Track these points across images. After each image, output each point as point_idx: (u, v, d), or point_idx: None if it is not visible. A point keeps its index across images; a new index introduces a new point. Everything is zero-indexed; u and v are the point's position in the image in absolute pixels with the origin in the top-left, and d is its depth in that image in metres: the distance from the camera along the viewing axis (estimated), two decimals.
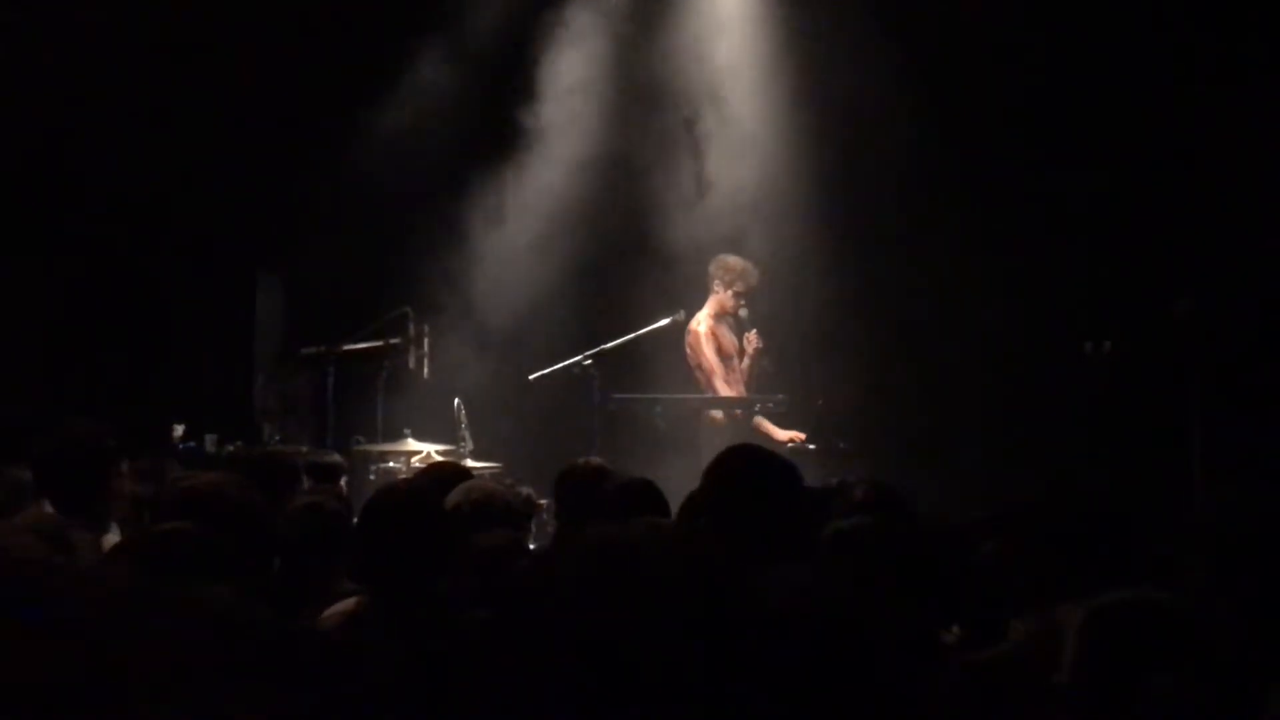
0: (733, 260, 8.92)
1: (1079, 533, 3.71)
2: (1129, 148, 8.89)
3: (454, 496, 4.29)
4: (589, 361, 8.56)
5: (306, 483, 6.13)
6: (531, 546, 5.21)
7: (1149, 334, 8.63)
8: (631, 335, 8.83)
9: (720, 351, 8.92)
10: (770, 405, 8.71)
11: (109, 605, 2.18)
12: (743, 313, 8.88)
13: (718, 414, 8.75)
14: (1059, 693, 2.93)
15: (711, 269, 8.94)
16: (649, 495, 4.63)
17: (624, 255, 9.76)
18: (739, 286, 8.84)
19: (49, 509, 4.68)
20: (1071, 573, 3.61)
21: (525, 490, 6.21)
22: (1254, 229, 8.57)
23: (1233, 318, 8.43)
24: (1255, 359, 8.52)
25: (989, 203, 9.22)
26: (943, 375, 9.35)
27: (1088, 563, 3.64)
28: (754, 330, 8.94)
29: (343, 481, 6.84)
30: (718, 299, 8.89)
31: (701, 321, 8.89)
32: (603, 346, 8.65)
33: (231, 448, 9.13)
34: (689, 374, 8.99)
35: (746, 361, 8.98)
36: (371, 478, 8.30)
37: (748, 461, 3.86)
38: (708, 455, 4.15)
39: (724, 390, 8.85)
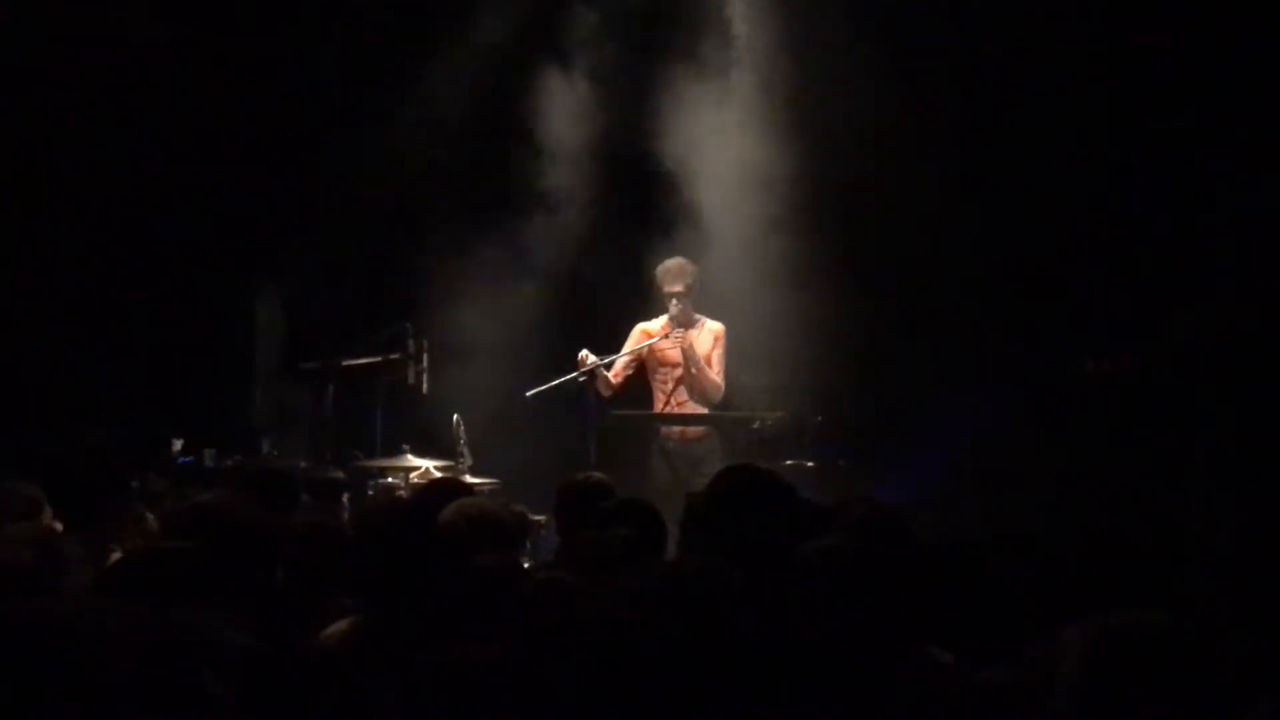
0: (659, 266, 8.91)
1: (1083, 555, 3.71)
2: (1132, 160, 8.90)
3: (446, 514, 4.27)
4: (584, 378, 8.55)
5: (305, 498, 6.13)
6: (526, 564, 5.20)
7: (1151, 351, 8.63)
8: (628, 351, 8.83)
9: (654, 360, 8.86)
10: (768, 421, 8.69)
11: (95, 623, 2.18)
12: (673, 309, 8.77)
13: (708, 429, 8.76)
14: (1061, 717, 2.92)
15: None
16: (647, 516, 4.63)
17: (621, 272, 9.76)
18: (665, 286, 8.76)
19: (56, 523, 4.66)
20: (1077, 595, 3.61)
21: (519, 508, 6.20)
22: (1257, 244, 8.56)
23: (1235, 335, 8.43)
24: (1258, 377, 8.50)
25: (989, 215, 9.22)
26: (943, 392, 9.35)
27: (1093, 585, 3.64)
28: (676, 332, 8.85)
29: (345, 498, 6.84)
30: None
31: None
32: (599, 363, 8.64)
33: (230, 462, 9.12)
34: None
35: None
36: (370, 493, 8.30)
37: (744, 481, 3.88)
38: (704, 471, 4.15)
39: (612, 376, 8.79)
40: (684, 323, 8.80)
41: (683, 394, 8.84)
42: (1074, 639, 3.01)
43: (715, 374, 8.83)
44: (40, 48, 9.44)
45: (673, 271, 8.77)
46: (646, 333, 8.89)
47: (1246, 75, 8.57)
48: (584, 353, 8.59)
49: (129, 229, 9.83)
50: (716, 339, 8.89)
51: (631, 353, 8.82)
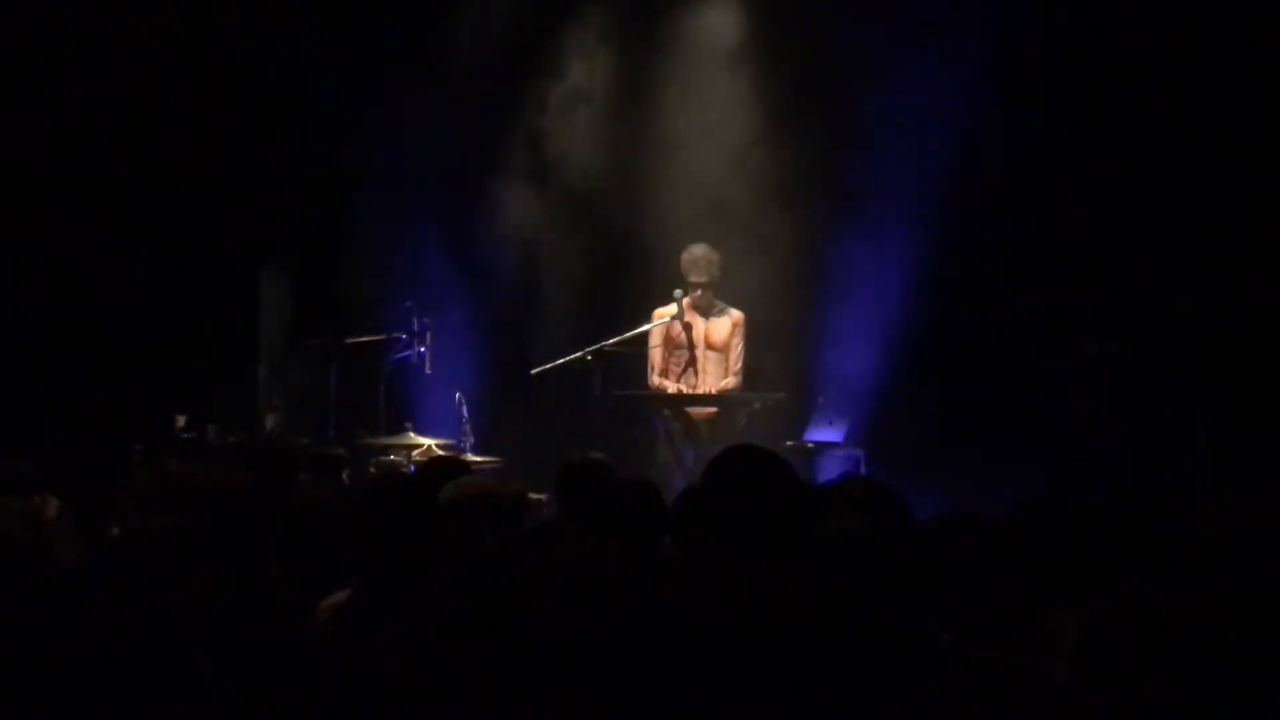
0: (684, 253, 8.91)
1: (1078, 534, 3.71)
2: (1134, 143, 8.88)
3: (446, 492, 4.27)
4: (591, 357, 8.55)
5: (306, 475, 6.12)
6: None
7: (1153, 332, 8.63)
8: (635, 331, 8.83)
9: (668, 342, 8.89)
10: (770, 402, 8.69)
11: (91, 601, 2.18)
12: (679, 293, 8.75)
13: (713, 410, 8.76)
14: (1056, 697, 2.91)
15: None
16: (649, 496, 4.63)
17: (628, 251, 9.76)
18: (690, 276, 8.81)
19: (53, 500, 4.64)
20: (1070, 575, 3.60)
21: (518, 485, 6.18)
22: (1260, 226, 8.56)
23: (1238, 315, 8.43)
24: (1260, 357, 8.50)
25: (991, 196, 9.21)
26: (944, 373, 9.35)
27: (1087, 565, 3.63)
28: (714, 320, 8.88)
29: (344, 475, 6.84)
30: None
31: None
32: (605, 342, 8.64)
33: (233, 439, 9.13)
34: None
35: (702, 351, 8.89)
36: (373, 471, 8.31)
37: (744, 462, 3.87)
38: (707, 451, 4.13)
39: (654, 380, 8.85)
40: (703, 309, 8.83)
41: (692, 376, 8.85)
42: (1072, 620, 3.00)
43: (734, 369, 8.88)
44: (49, 24, 9.44)
45: (699, 262, 8.78)
46: (661, 316, 8.89)
47: (1248, 70, 8.56)
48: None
49: (134, 206, 9.83)
50: (735, 326, 8.92)
51: (635, 335, 8.82)
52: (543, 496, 6.84)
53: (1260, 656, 2.96)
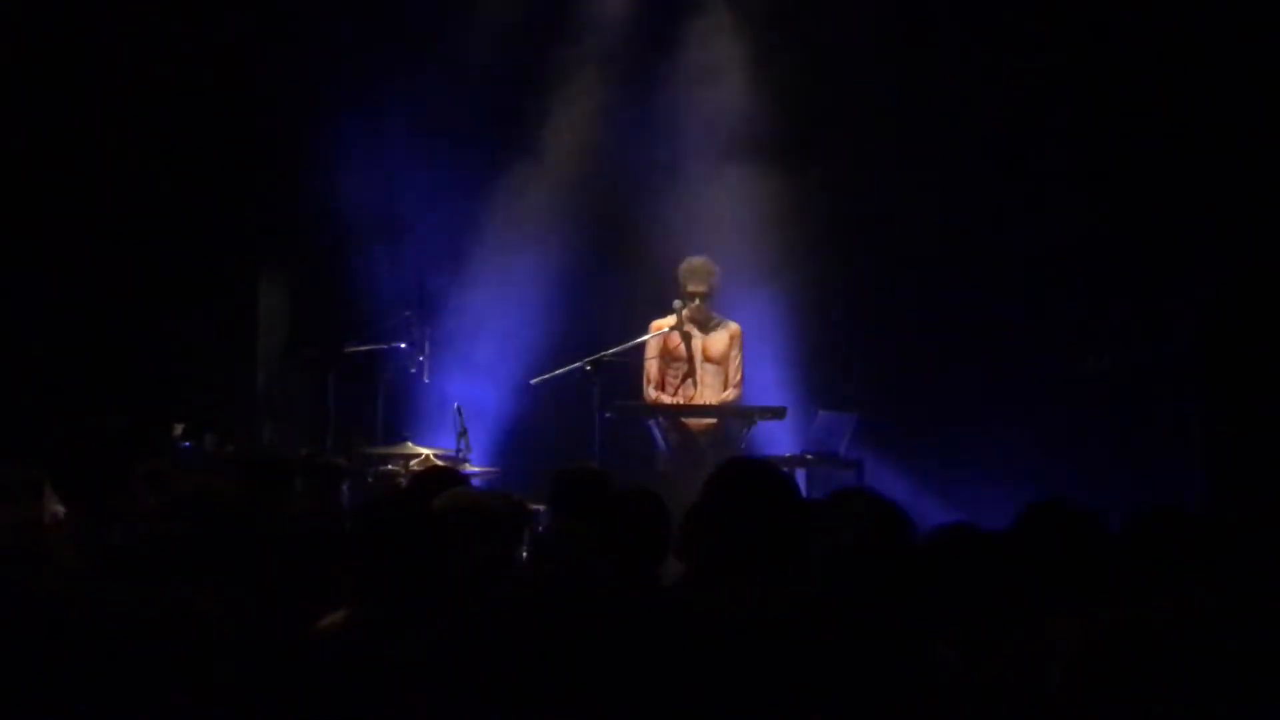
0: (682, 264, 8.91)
1: (1076, 546, 3.72)
2: (1133, 146, 8.90)
3: (440, 504, 4.25)
4: (590, 367, 8.55)
5: (302, 484, 6.12)
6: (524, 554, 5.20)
7: (1150, 339, 8.65)
8: (633, 342, 8.83)
9: (665, 353, 8.89)
10: (769, 415, 8.69)
11: (91, 610, 2.18)
12: (678, 304, 8.76)
13: (711, 422, 8.75)
14: (1052, 711, 2.92)
15: None
16: (652, 506, 4.62)
17: (627, 262, 9.76)
18: (689, 286, 8.81)
19: (58, 506, 4.65)
20: (1068, 586, 3.61)
21: (517, 497, 6.19)
22: (1258, 239, 8.57)
23: (1235, 323, 8.44)
24: (1257, 370, 8.51)
25: (991, 210, 9.22)
26: (943, 387, 9.35)
27: (1085, 576, 3.64)
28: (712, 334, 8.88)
29: (345, 488, 6.83)
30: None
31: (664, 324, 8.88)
32: (604, 353, 8.64)
33: (231, 447, 9.13)
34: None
35: (700, 364, 8.88)
36: (370, 480, 8.31)
37: (744, 475, 3.86)
38: (704, 463, 4.13)
39: (650, 393, 8.84)
40: (701, 323, 8.82)
41: (690, 387, 8.85)
42: (1069, 631, 3.01)
43: (733, 381, 8.86)
44: (48, 28, 9.45)
45: (698, 272, 8.78)
46: (659, 328, 8.89)
47: (1245, 70, 8.57)
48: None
49: (133, 214, 9.83)
50: (733, 338, 8.91)
51: (634, 345, 8.81)
52: (541, 507, 6.84)
53: (1256, 667, 2.97)
